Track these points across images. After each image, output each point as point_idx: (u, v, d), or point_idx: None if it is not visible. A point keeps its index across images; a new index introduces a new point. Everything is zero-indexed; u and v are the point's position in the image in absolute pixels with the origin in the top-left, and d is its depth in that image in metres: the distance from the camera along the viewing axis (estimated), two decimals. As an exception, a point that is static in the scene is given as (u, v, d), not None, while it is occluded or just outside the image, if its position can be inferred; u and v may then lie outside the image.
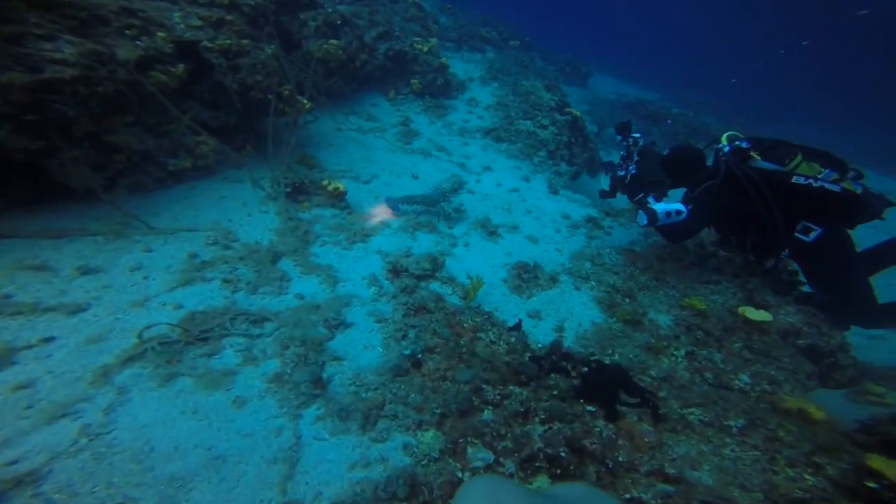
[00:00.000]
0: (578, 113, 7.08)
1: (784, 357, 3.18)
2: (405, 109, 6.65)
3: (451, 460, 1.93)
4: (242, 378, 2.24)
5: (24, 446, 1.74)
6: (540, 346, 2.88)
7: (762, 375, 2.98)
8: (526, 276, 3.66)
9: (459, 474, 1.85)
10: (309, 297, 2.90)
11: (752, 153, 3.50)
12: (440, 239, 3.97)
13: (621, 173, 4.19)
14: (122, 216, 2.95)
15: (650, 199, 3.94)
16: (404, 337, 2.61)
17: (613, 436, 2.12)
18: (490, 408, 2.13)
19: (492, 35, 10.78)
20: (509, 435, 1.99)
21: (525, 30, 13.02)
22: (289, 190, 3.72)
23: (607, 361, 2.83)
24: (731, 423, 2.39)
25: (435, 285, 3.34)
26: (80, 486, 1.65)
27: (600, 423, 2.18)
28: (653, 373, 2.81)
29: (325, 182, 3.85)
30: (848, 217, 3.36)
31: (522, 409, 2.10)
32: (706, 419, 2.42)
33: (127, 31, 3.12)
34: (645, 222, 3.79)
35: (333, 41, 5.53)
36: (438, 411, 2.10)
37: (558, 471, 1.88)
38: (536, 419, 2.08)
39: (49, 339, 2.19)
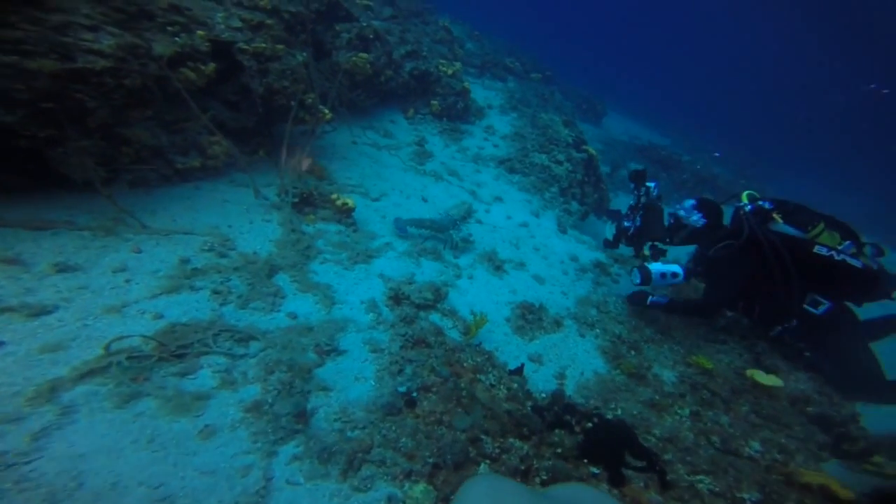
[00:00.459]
0: (594, 152, 7.08)
1: (795, 425, 3.04)
2: (422, 129, 6.65)
3: (440, 521, 1.77)
4: (216, 404, 2.05)
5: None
6: (541, 393, 2.74)
7: (772, 443, 2.83)
8: (530, 318, 3.54)
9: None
10: (302, 317, 2.75)
11: (774, 215, 3.41)
12: (444, 268, 3.86)
13: (627, 224, 4.11)
14: (116, 212, 2.81)
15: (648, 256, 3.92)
16: (400, 372, 2.47)
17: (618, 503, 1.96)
18: (487, 462, 1.98)
19: (515, 65, 10.96)
20: (505, 495, 1.83)
21: (547, 63, 13.25)
22: (296, 200, 3.63)
23: (610, 416, 2.69)
24: (745, 495, 2.24)
25: (435, 317, 3.21)
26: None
27: (604, 487, 2.03)
28: (657, 432, 2.67)
29: (334, 196, 3.77)
30: (863, 294, 3.25)
31: (522, 467, 1.95)
32: (716, 489, 2.26)
33: (169, 28, 3.10)
34: (638, 282, 3.73)
35: (363, 55, 5.55)
36: (431, 461, 1.94)
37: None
38: (537, 479, 1.92)
39: (-4, 345, 1.95)
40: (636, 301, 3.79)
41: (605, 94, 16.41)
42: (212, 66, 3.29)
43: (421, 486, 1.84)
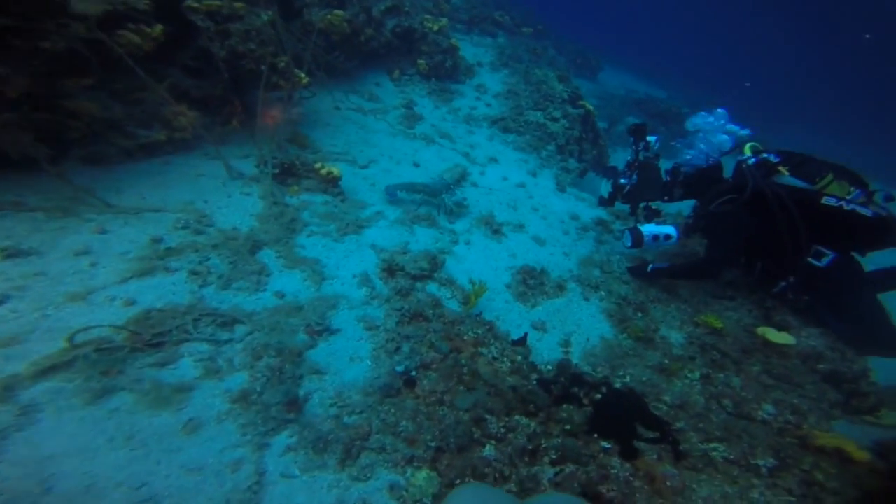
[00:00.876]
0: (591, 107, 6.72)
1: (806, 384, 2.94)
2: (409, 91, 6.25)
3: (445, 507, 1.66)
4: (200, 395, 1.89)
5: None
6: (546, 363, 2.61)
7: (784, 404, 2.74)
8: (531, 283, 3.38)
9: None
10: (290, 295, 2.56)
11: (780, 168, 3.19)
12: (440, 235, 3.66)
13: (623, 181, 3.89)
14: (73, 191, 2.55)
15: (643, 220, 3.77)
16: (397, 350, 2.32)
17: (631, 478, 1.86)
18: (493, 442, 1.86)
19: (504, 19, 10.31)
20: (514, 477, 1.72)
21: (538, 17, 12.51)
22: (276, 171, 3.36)
23: (619, 384, 2.58)
24: (760, 462, 2.15)
25: (433, 287, 3.04)
26: None
27: (616, 462, 1.92)
28: (667, 398, 2.56)
29: (317, 165, 3.50)
30: (874, 243, 3.09)
31: (530, 446, 1.83)
32: (731, 456, 2.17)
33: (93, -17, 2.71)
34: (629, 244, 3.57)
35: (338, 12, 5.10)
36: (433, 445, 1.82)
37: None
38: (546, 459, 1.81)
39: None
40: (638, 273, 3.65)
41: (599, 48, 15.67)
42: (159, 27, 2.94)
43: (424, 473, 1.72)
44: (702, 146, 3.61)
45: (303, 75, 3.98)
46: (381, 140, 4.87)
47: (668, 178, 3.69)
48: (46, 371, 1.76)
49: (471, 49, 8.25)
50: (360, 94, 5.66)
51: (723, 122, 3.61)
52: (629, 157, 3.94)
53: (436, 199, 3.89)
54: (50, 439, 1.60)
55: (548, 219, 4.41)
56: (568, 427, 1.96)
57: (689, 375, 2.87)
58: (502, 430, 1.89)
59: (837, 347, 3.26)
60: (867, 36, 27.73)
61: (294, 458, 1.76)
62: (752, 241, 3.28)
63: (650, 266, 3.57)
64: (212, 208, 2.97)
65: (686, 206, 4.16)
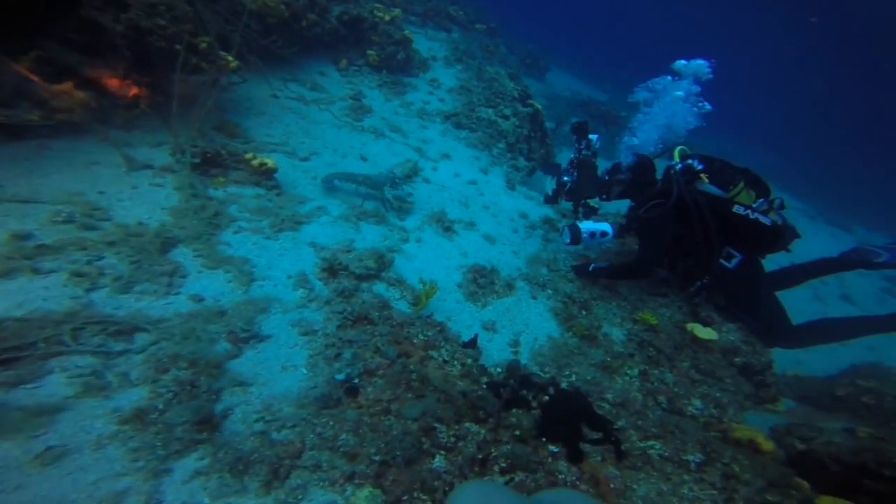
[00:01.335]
0: (539, 106, 6.84)
1: (726, 377, 3.18)
2: (358, 83, 5.98)
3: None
4: (71, 417, 1.58)
5: None
6: (496, 365, 2.58)
7: (709, 398, 2.95)
8: (482, 282, 3.34)
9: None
10: (211, 299, 2.28)
11: (702, 175, 3.42)
12: (389, 232, 3.51)
13: (566, 178, 4.00)
14: None
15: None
16: (338, 356, 2.16)
17: (578, 482, 1.86)
18: (443, 453, 1.77)
19: (459, 15, 10.22)
20: (462, 489, 1.65)
21: (491, 14, 12.56)
22: (196, 160, 3.00)
23: (565, 384, 2.61)
24: (690, 457, 2.26)
25: (380, 288, 2.90)
26: None
27: (563, 466, 1.91)
28: (609, 396, 2.63)
29: (248, 155, 3.19)
30: (768, 248, 3.45)
31: (480, 455, 1.77)
32: (665, 454, 2.27)
33: None
34: (568, 241, 3.68)
35: (275, -8, 4.72)
36: (378, 459, 1.70)
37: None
38: (496, 468, 1.75)
39: None
40: (581, 272, 3.77)
41: (547, 49, 16.08)
42: None
43: (366, 490, 1.60)
44: (660, 121, 3.68)
45: (230, 58, 3.62)
46: (325, 132, 4.60)
47: (607, 177, 3.82)
48: None
49: (425, 42, 8.08)
50: (302, 82, 5.32)
51: (695, 90, 3.61)
52: (573, 156, 4.04)
53: (377, 192, 3.72)
54: None
55: (498, 217, 4.41)
56: (517, 433, 1.92)
57: (628, 372, 2.98)
58: (452, 440, 1.82)
59: (750, 341, 3.56)
60: (813, 19, 27.49)
61: (204, 483, 1.53)
62: (675, 243, 3.52)
63: (591, 266, 3.69)
64: (109, 200, 2.57)
65: (624, 206, 4.36)
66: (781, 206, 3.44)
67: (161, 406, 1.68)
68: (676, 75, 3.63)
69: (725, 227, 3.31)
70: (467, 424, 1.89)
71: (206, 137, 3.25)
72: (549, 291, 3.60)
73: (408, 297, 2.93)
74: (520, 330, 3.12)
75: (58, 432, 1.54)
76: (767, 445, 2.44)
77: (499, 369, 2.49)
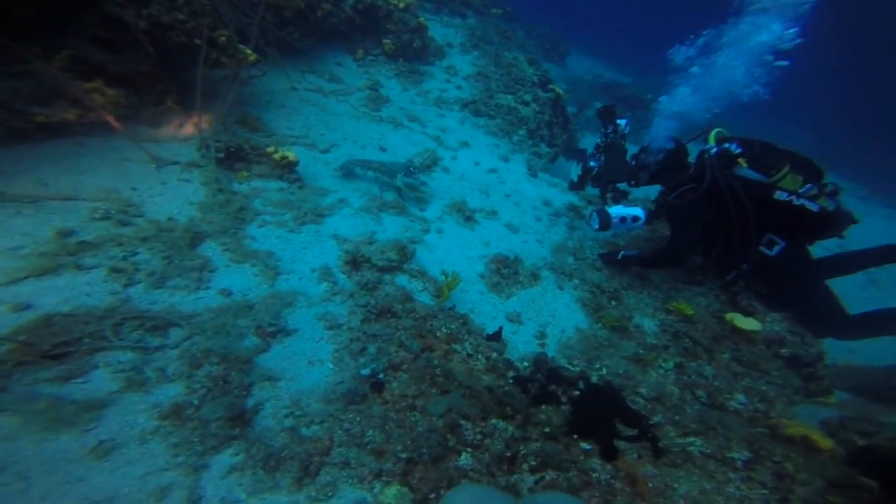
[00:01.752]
0: (561, 91, 6.61)
1: (772, 370, 3.00)
2: (375, 72, 5.91)
3: (419, 526, 1.50)
4: (117, 412, 1.62)
5: None
6: (522, 358, 2.49)
7: (754, 392, 2.78)
8: (505, 272, 3.25)
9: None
10: (238, 293, 2.29)
11: (739, 159, 3.20)
12: (410, 223, 3.46)
13: (592, 164, 3.83)
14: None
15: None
16: (363, 351, 2.12)
17: (613, 481, 1.77)
18: (469, 450, 1.71)
19: (474, 0, 9.99)
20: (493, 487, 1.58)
21: (507, -1, 12.23)
22: (221, 155, 3.01)
23: (596, 378, 2.50)
24: (735, 455, 2.13)
25: (402, 280, 2.85)
26: None
27: (597, 464, 1.82)
28: (643, 391, 2.51)
29: (269, 149, 3.17)
30: (816, 235, 3.22)
31: (508, 453, 1.70)
32: (707, 451, 2.14)
33: None
34: (597, 227, 3.52)
35: (290, -17, 4.68)
36: (404, 456, 1.65)
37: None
38: (525, 466, 1.68)
39: None
40: (609, 261, 3.61)
41: (567, 33, 15.58)
42: None
43: (394, 488, 1.55)
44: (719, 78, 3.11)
45: (249, 51, 3.60)
46: (344, 123, 4.56)
47: (634, 163, 3.64)
48: None
49: (440, 29, 7.92)
50: (320, 74, 5.28)
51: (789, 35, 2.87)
52: (598, 140, 3.87)
53: (392, 180, 3.67)
54: None
55: (520, 205, 4.29)
56: (547, 430, 1.84)
57: (663, 365, 2.84)
58: (478, 437, 1.75)
59: (797, 331, 3.34)
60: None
61: (239, 479, 1.53)
62: (708, 230, 3.33)
63: (620, 254, 3.54)
64: (141, 197, 2.61)
65: (653, 191, 4.17)
66: (835, 192, 3.18)
67: (196, 402, 1.70)
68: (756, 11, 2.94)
69: (765, 214, 3.10)
70: (494, 421, 1.82)
71: (229, 132, 3.26)
72: (576, 281, 3.47)
73: (430, 289, 2.87)
74: (546, 321, 3.01)
75: (106, 427, 1.58)
76: (825, 443, 2.27)
77: (525, 363, 2.40)
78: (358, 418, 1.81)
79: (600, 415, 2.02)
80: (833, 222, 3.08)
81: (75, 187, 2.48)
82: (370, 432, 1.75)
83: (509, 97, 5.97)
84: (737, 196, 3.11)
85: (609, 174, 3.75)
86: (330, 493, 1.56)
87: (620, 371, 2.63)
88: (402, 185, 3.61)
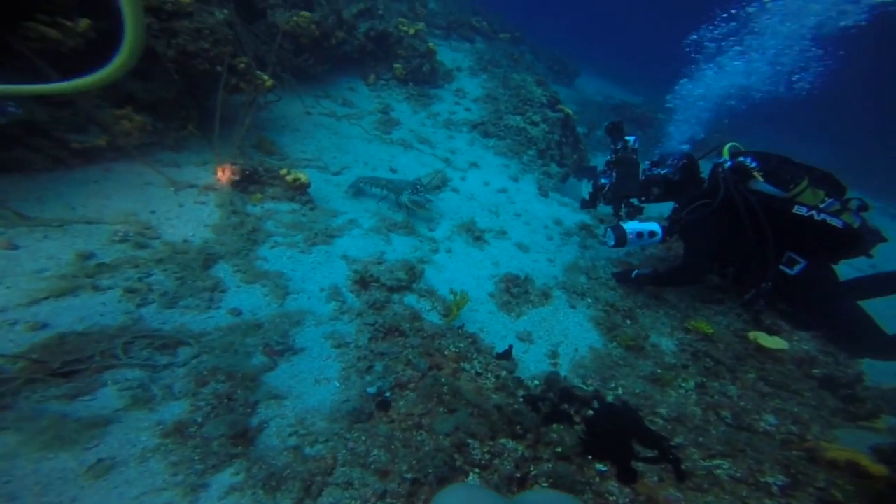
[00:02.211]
0: (570, 111, 6.67)
1: (804, 391, 2.82)
2: (386, 96, 6.08)
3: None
4: (120, 430, 1.62)
5: None
6: (533, 378, 2.42)
7: (785, 413, 2.60)
8: (516, 291, 3.20)
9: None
10: (248, 312, 2.31)
11: (755, 173, 3.12)
12: (419, 243, 3.46)
13: (603, 181, 3.78)
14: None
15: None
16: (369, 369, 2.09)
17: (631, 506, 1.67)
18: (477, 470, 1.64)
19: (482, 25, 10.30)
20: (501, 512, 1.51)
21: (515, 23, 12.58)
22: (237, 178, 3.11)
23: (611, 397, 2.40)
24: (769, 479, 1.98)
25: (411, 299, 2.83)
26: None
27: (614, 487, 1.73)
28: (663, 411, 2.39)
29: (282, 171, 3.26)
30: (842, 253, 3.06)
31: (518, 474, 1.62)
32: (737, 474, 2.00)
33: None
34: (612, 243, 3.43)
35: (305, 13, 4.90)
36: (409, 476, 1.59)
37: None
38: (536, 487, 1.60)
39: None
40: (623, 280, 3.52)
41: (575, 54, 15.82)
42: (85, 21, 2.62)
43: (398, 512, 1.49)
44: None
45: (266, 78, 3.75)
46: (356, 146, 4.67)
47: (644, 178, 3.59)
48: None
49: (449, 54, 8.17)
50: (333, 98, 5.46)
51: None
52: (609, 157, 3.84)
53: (398, 197, 3.72)
54: None
55: (531, 224, 4.27)
56: (559, 450, 1.76)
57: (683, 385, 2.72)
58: (487, 457, 1.68)
59: (829, 351, 3.16)
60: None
61: (238, 499, 1.50)
62: (724, 246, 3.21)
63: (634, 272, 3.45)
64: (159, 219, 2.70)
65: (667, 209, 4.10)
66: (862, 208, 3.04)
67: (199, 419, 1.69)
68: None
69: (784, 230, 2.96)
70: (503, 440, 1.75)
71: (245, 155, 3.36)
72: (589, 300, 3.40)
73: (439, 309, 2.85)
74: (558, 340, 2.94)
75: (107, 444, 1.57)
76: (878, 469, 2.08)
77: (536, 382, 2.33)
78: (363, 437, 1.76)
79: (617, 435, 1.92)
80: (859, 240, 2.92)
81: (100, 211, 2.59)
82: (375, 451, 1.70)
83: (518, 118, 6.05)
84: (752, 211, 3.00)
85: (621, 188, 3.69)
86: (332, 516, 1.50)
87: (637, 391, 2.53)
88: (408, 201, 3.65)
